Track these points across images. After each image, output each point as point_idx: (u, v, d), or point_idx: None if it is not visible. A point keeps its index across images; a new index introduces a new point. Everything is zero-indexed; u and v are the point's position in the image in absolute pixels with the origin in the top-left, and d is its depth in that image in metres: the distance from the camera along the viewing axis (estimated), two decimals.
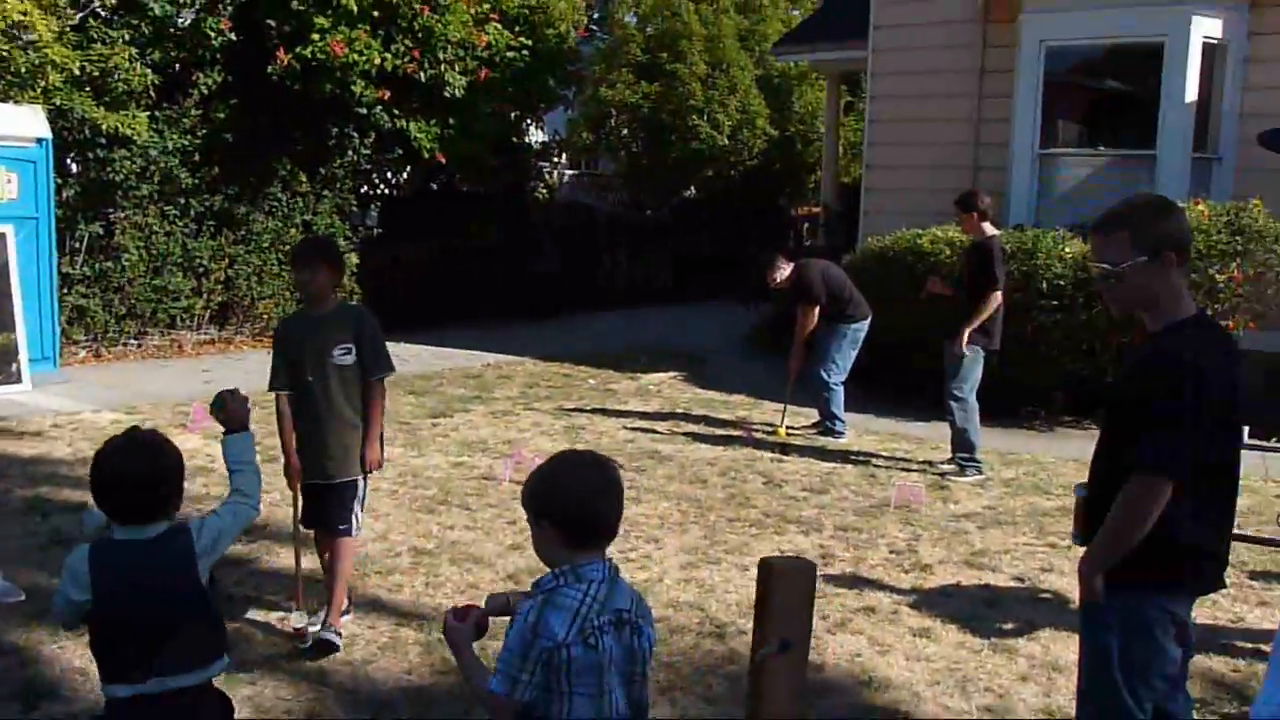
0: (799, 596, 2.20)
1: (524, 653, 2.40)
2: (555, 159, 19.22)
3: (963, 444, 8.07)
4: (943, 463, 8.29)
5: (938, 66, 11.99)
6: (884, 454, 8.68)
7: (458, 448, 8.55)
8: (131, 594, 2.81)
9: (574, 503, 2.48)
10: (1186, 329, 3.02)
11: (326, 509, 4.93)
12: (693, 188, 20.86)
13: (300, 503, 5.01)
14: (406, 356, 12.89)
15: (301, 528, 5.08)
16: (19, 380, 10.04)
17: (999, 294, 7.83)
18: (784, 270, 9.19)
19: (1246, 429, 9.07)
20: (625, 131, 20.62)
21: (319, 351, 4.81)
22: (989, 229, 8.05)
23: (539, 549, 2.56)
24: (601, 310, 17.75)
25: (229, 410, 3.24)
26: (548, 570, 2.50)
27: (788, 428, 9.31)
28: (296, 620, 4.92)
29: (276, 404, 4.92)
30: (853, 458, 8.51)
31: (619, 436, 9.08)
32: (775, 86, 20.77)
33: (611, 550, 2.53)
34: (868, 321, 9.27)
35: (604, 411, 10.04)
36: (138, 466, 2.82)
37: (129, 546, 2.83)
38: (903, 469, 8.22)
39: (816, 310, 9.10)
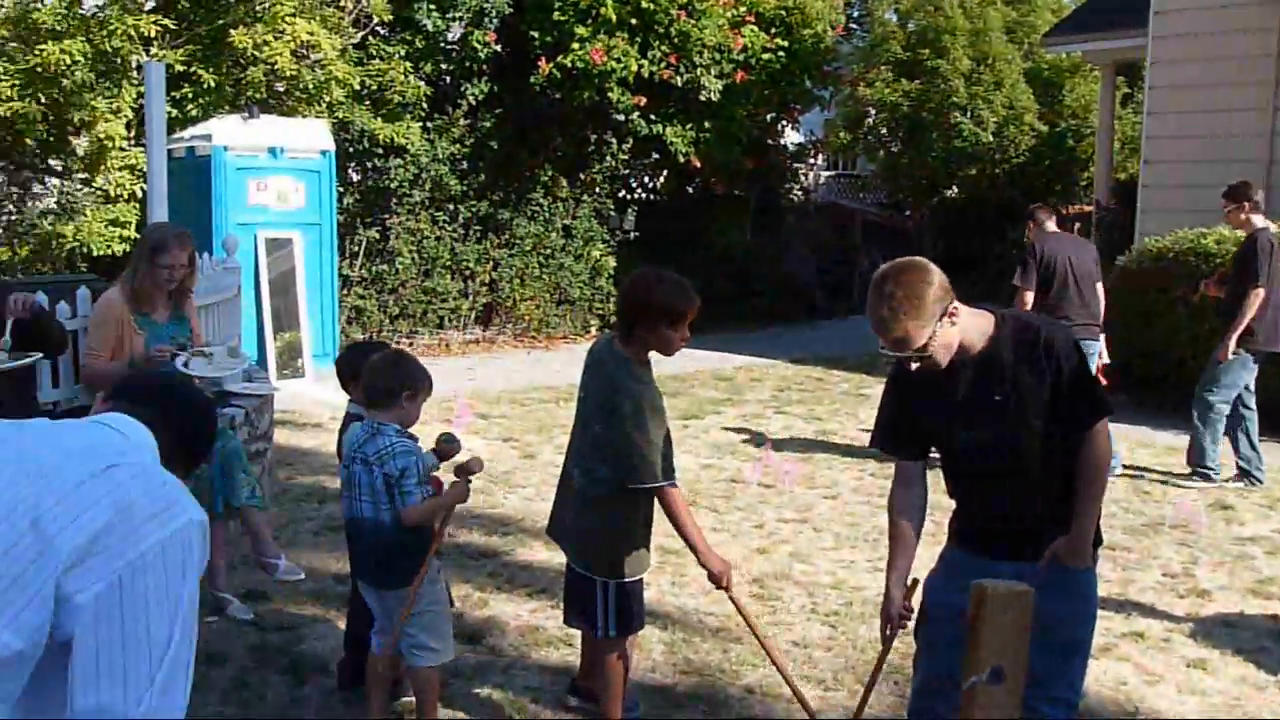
0: (1012, 625, 2.03)
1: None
2: (811, 160, 19.02)
3: (1199, 451, 7.53)
4: (1227, 480, 7.66)
5: (1227, 53, 11.11)
6: (1158, 469, 8.10)
7: (708, 449, 8.56)
8: None
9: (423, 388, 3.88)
10: None
11: None
12: (954, 187, 20.19)
13: None
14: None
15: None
16: (302, 375, 10.77)
17: (1261, 291, 7.19)
18: (1048, 222, 8.09)
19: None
20: (884, 131, 20.19)
21: None
22: (1259, 221, 7.49)
23: (405, 418, 3.83)
24: (856, 313, 17.40)
25: (452, 449, 4.10)
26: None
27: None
28: None
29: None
30: (1123, 472, 7.97)
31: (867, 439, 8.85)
32: (1045, 80, 19.84)
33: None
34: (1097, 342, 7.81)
35: (856, 416, 9.84)
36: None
37: None
38: (1179, 486, 7.64)
39: (1029, 294, 7.82)
